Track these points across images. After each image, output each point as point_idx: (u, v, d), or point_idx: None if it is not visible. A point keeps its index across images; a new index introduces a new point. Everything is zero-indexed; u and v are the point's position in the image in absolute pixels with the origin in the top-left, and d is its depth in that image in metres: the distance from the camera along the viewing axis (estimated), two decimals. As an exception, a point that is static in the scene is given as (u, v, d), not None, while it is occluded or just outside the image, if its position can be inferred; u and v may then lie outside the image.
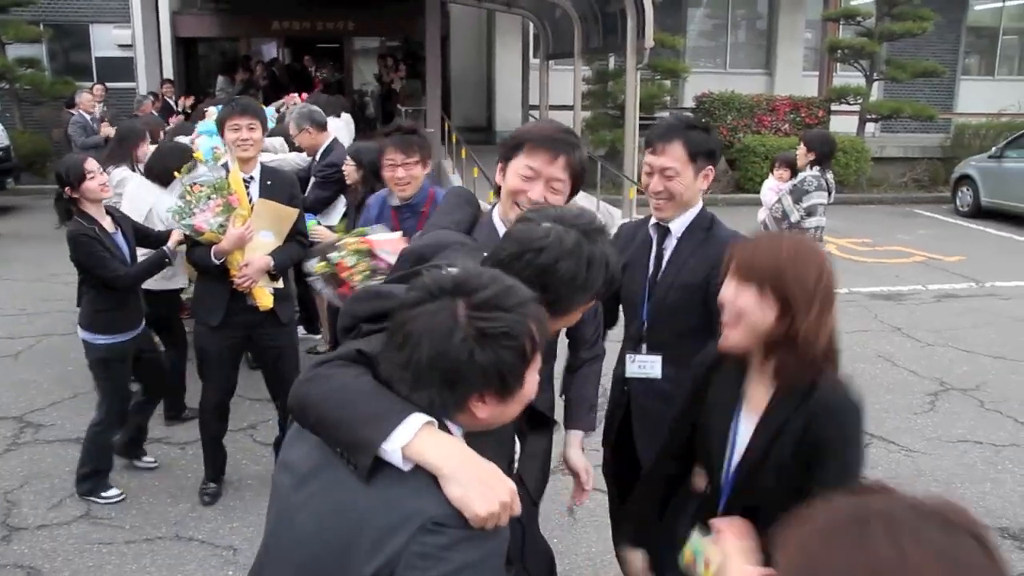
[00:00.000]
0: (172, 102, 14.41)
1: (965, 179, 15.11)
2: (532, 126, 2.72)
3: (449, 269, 1.64)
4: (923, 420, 6.03)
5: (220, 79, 17.42)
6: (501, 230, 2.51)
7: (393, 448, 1.48)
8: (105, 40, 19.34)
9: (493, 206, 2.66)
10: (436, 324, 1.50)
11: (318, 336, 7.17)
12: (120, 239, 4.61)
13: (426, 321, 1.51)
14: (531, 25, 18.85)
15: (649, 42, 11.73)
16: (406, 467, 1.48)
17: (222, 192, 4.26)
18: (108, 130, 10.01)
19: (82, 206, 4.46)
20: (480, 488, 1.46)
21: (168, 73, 17.01)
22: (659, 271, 3.00)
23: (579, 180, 2.53)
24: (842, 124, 17.14)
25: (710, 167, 2.90)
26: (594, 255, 1.91)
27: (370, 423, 1.51)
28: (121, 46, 18.98)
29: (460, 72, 21.12)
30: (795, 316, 1.96)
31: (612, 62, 17.54)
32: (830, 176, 6.33)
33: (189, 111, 13.28)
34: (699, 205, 2.97)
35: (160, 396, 5.26)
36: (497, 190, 2.63)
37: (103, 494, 4.75)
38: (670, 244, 2.98)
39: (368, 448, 1.49)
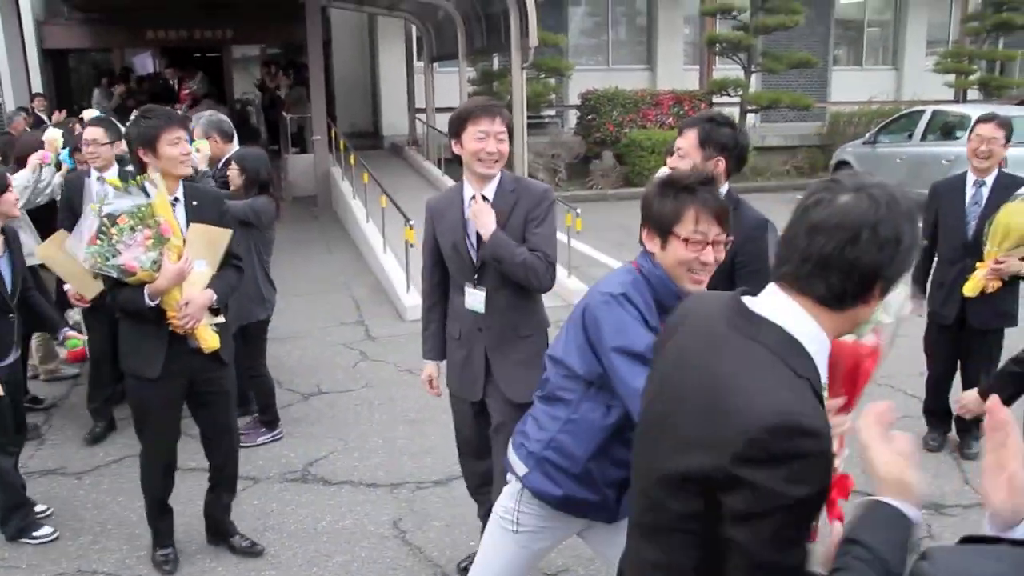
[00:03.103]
0: (44, 117, 13.78)
1: (843, 165, 15.68)
2: (468, 103, 3.53)
3: None
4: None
5: (96, 91, 16.75)
6: (469, 191, 3.53)
7: None
8: (-37, 53, 18.36)
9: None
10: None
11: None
12: (3, 263, 4.37)
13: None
14: (414, 28, 18.74)
15: (533, 41, 11.77)
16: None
17: (147, 221, 3.61)
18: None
19: None
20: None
21: (37, 87, 16.25)
22: None
23: (512, 131, 3.50)
24: (723, 116, 17.54)
25: (720, 158, 3.23)
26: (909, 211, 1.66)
27: None
28: (-17, 59, 18.06)
29: (344, 78, 20.82)
30: None
31: (496, 62, 17.58)
32: None
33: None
34: (721, 189, 2.95)
35: (14, 444, 4.58)
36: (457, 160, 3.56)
37: (34, 534, 4.43)
38: None
39: None
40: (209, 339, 3.83)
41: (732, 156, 3.27)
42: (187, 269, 3.70)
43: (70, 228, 5.13)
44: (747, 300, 1.69)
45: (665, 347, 1.84)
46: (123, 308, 3.81)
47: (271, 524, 4.58)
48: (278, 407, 5.77)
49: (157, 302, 3.69)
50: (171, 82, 18.53)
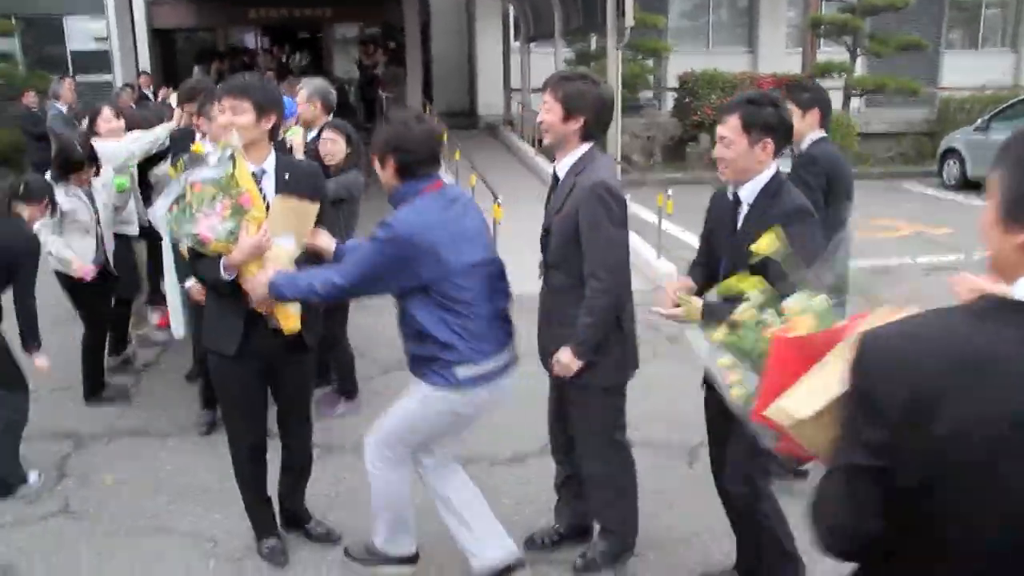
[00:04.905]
0: (150, 94, 14.22)
1: (951, 152, 15.07)
2: None
3: None
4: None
5: (196, 69, 17.22)
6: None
7: None
8: (80, 33, 19.13)
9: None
10: None
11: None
12: None
13: None
14: (511, 8, 18.70)
15: (630, 21, 11.58)
16: None
17: (229, 191, 3.42)
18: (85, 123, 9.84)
19: None
20: None
21: (144, 65, 16.78)
22: (735, 235, 3.23)
23: (570, 102, 3.43)
24: (827, 100, 17.06)
25: (768, 139, 3.12)
26: None
27: None
28: (97, 39, 18.77)
29: (442, 58, 20.94)
30: None
31: (593, 43, 17.42)
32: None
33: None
34: (767, 174, 3.19)
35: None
36: None
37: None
38: (743, 211, 3.24)
39: None
40: (288, 320, 3.58)
41: (779, 136, 3.15)
42: (265, 243, 3.45)
43: None
44: None
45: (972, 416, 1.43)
46: (202, 279, 3.72)
47: (342, 491, 4.61)
48: (359, 379, 5.81)
49: (234, 276, 3.50)
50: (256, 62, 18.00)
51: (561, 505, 4.14)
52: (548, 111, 3.48)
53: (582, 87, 3.46)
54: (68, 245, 5.48)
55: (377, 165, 3.39)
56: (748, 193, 3.20)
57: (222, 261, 3.47)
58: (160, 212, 3.67)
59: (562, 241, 3.52)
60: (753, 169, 3.17)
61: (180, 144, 5.54)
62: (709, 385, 3.47)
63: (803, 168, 4.43)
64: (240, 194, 3.43)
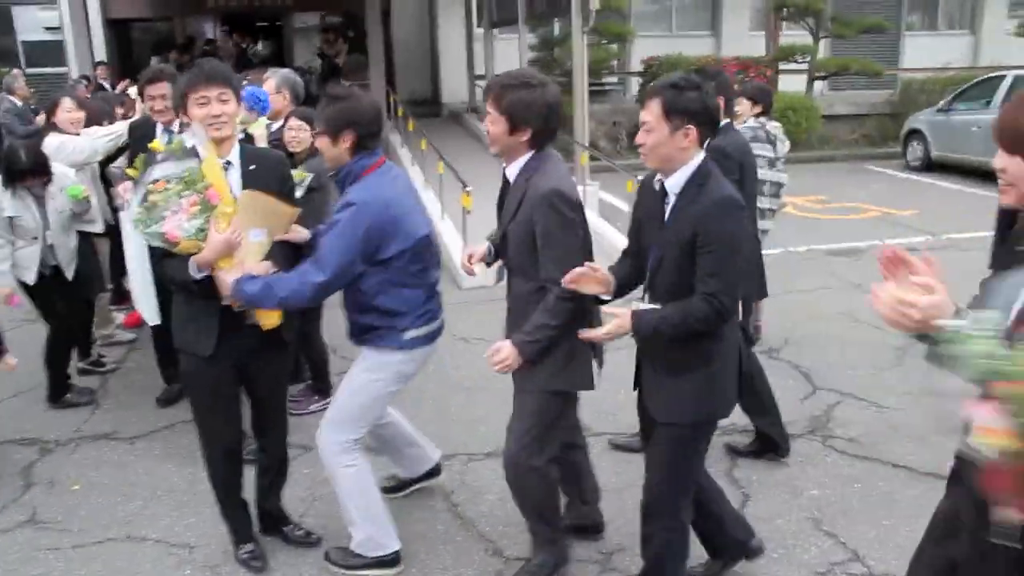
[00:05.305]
0: (107, 85, 13.89)
1: (915, 133, 15.15)
2: None
3: None
4: (891, 375, 5.95)
5: (153, 60, 16.88)
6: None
7: None
8: (31, 23, 18.67)
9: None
10: None
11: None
12: None
13: None
14: (473, -7, 18.53)
15: (595, 3, 11.47)
16: None
17: (195, 186, 3.29)
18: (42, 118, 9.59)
19: None
20: None
21: (100, 57, 16.42)
22: (664, 226, 3.11)
23: (515, 115, 3.21)
24: (790, 83, 17.11)
25: (690, 126, 2.95)
26: None
27: None
28: (48, 29, 18.34)
29: (404, 46, 20.69)
30: None
31: (557, 28, 17.30)
32: (771, 127, 6.38)
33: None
34: (694, 163, 3.02)
35: None
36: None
37: None
38: (671, 201, 3.08)
39: None
40: (267, 316, 3.47)
41: (702, 122, 2.98)
42: (235, 240, 3.29)
43: None
44: None
45: None
46: (171, 280, 3.51)
47: (320, 494, 4.49)
48: (332, 375, 5.70)
49: (205, 274, 3.35)
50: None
51: (568, 503, 4.00)
52: (493, 123, 3.28)
53: (526, 97, 3.22)
54: (10, 257, 5.35)
55: (326, 142, 3.44)
56: (675, 183, 3.04)
57: (192, 260, 3.32)
58: (132, 215, 3.55)
59: (519, 247, 3.38)
60: (677, 158, 3.00)
61: (139, 134, 5.37)
62: (640, 390, 3.36)
63: (718, 162, 4.39)
64: (206, 188, 3.31)
